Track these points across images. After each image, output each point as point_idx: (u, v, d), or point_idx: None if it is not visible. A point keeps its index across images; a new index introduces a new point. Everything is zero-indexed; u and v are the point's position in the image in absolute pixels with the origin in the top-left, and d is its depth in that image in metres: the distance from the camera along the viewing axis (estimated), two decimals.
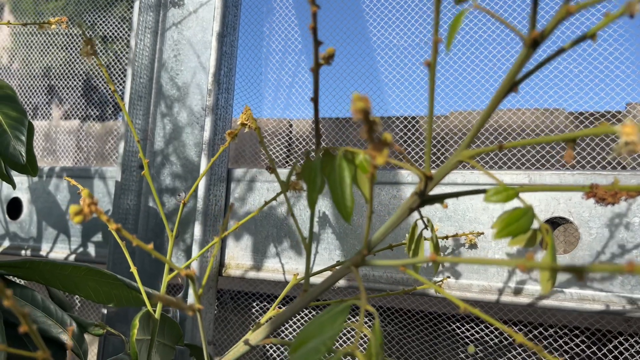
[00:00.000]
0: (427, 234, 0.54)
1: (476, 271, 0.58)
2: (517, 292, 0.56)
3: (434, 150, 0.73)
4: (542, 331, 0.61)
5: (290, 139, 0.80)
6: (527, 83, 0.72)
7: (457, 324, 0.66)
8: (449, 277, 0.56)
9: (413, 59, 0.71)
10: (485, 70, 0.71)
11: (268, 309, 0.70)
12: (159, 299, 0.28)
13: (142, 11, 0.69)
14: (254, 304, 0.71)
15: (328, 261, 0.62)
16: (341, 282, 0.62)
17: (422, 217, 0.42)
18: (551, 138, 0.30)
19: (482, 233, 0.57)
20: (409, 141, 0.70)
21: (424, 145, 0.71)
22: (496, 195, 0.31)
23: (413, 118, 0.72)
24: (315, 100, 0.36)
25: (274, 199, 0.49)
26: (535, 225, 0.33)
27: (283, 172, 0.67)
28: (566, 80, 0.69)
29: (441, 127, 0.75)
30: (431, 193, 0.38)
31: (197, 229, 0.64)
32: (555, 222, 0.58)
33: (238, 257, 0.67)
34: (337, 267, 0.54)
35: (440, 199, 0.37)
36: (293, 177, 0.50)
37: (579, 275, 0.25)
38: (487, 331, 0.62)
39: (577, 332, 0.59)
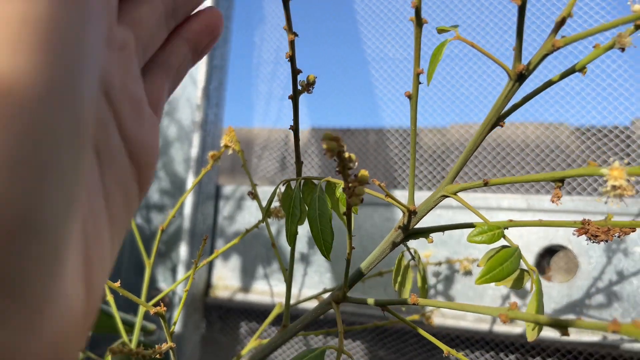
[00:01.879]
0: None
1: (471, 299, 0.56)
2: (515, 322, 0.55)
3: (434, 165, 0.71)
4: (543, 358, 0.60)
5: (286, 150, 0.79)
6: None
7: (453, 350, 0.64)
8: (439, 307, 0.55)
9: (409, 73, 0.70)
10: (487, 82, 0.70)
11: (257, 328, 0.69)
12: (121, 352, 0.27)
13: None
14: (242, 323, 0.70)
15: (318, 285, 0.61)
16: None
17: (408, 249, 0.41)
18: (539, 177, 0.29)
19: (477, 260, 0.55)
20: (404, 158, 0.69)
21: (422, 159, 0.70)
22: (480, 236, 0.30)
23: (408, 132, 0.71)
24: (295, 129, 0.35)
25: (256, 226, 0.48)
26: (523, 264, 0.32)
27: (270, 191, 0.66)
28: (568, 97, 0.67)
29: (441, 140, 0.73)
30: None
31: (183, 249, 0.63)
32: (553, 250, 0.56)
33: (226, 277, 0.66)
34: (323, 295, 0.53)
35: (425, 232, 0.36)
36: (276, 204, 0.49)
37: (563, 331, 0.24)
38: (482, 358, 0.61)
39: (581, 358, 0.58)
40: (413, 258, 0.41)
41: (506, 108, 0.29)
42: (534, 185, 0.63)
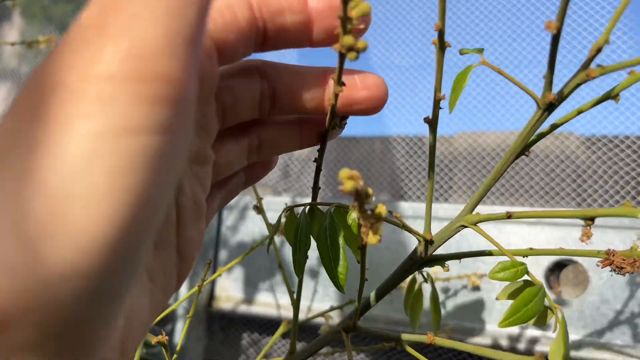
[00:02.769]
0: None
1: (479, 313, 0.54)
2: (521, 338, 0.53)
3: (441, 175, 0.69)
4: None
5: (289, 157, 0.77)
6: (532, 105, 0.68)
7: None
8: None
9: (415, 81, 0.68)
10: (495, 90, 0.68)
11: (259, 339, 0.67)
12: None
13: None
14: (244, 335, 0.68)
15: (323, 298, 0.59)
16: (336, 320, 0.59)
17: (420, 271, 0.39)
18: (568, 213, 0.27)
19: (485, 275, 0.53)
20: (410, 168, 0.67)
21: (427, 165, 0.68)
22: (503, 272, 0.28)
23: (415, 141, 0.68)
24: (318, 165, 0.32)
25: (262, 243, 0.45)
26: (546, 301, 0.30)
27: (277, 201, 0.64)
28: (577, 106, 0.65)
29: (448, 150, 0.71)
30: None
31: None
32: (563, 264, 0.54)
33: (229, 288, 0.63)
34: (329, 312, 0.51)
35: (441, 260, 0.34)
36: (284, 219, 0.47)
37: None
38: None
39: None
40: (425, 280, 0.39)
41: (532, 137, 0.27)
42: (543, 196, 0.61)
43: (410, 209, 0.59)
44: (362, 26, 0.20)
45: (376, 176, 0.68)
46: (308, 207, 0.33)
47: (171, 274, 0.22)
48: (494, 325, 0.54)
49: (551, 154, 0.64)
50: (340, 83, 0.23)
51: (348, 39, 0.20)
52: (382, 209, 0.24)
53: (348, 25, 0.20)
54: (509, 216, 0.28)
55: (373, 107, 0.25)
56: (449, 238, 0.32)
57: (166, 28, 0.14)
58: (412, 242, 0.58)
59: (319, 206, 0.34)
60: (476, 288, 0.53)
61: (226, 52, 0.21)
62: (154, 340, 0.33)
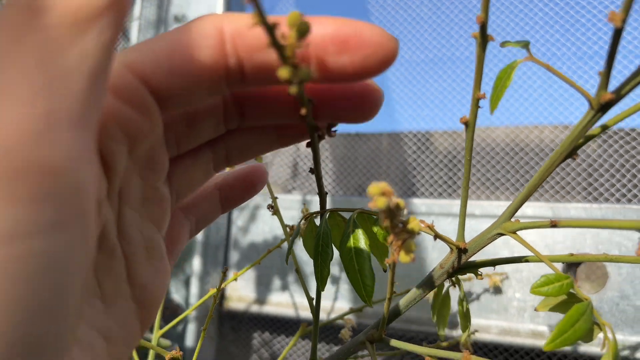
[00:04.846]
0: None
1: (496, 311, 0.51)
2: (541, 334, 0.50)
3: (448, 168, 0.66)
4: None
5: (297, 155, 0.73)
6: (546, 99, 0.65)
7: None
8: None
9: (425, 75, 0.64)
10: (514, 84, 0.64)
11: (270, 339, 0.65)
12: None
13: (142, 29, 0.62)
14: (255, 334, 0.65)
15: (335, 295, 0.56)
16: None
17: (451, 278, 0.36)
18: (621, 224, 0.24)
19: (505, 275, 0.50)
20: (423, 164, 0.63)
21: (433, 165, 0.65)
22: (546, 287, 0.25)
23: (424, 136, 0.65)
24: (317, 173, 0.29)
25: (279, 245, 0.42)
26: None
27: (288, 199, 0.60)
28: (584, 99, 0.62)
29: (452, 145, 0.68)
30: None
31: (197, 261, 0.58)
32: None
33: (240, 288, 0.60)
34: (348, 315, 0.48)
35: (474, 267, 0.31)
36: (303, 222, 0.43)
37: None
38: None
39: None
40: (454, 284, 0.36)
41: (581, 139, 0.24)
42: (558, 191, 0.58)
43: (424, 206, 0.56)
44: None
45: (385, 173, 0.65)
46: (328, 214, 0.30)
47: (132, 325, 0.19)
48: (512, 323, 0.51)
49: (557, 147, 0.60)
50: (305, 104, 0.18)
51: (285, 71, 0.16)
52: (415, 224, 0.20)
53: (287, 53, 0.15)
54: (553, 225, 0.25)
55: (364, 94, 0.19)
56: (484, 246, 0.29)
57: (41, 108, 0.11)
58: (431, 244, 0.55)
59: (340, 212, 0.31)
60: (497, 290, 0.50)
61: (176, 99, 0.17)
62: (167, 357, 0.30)
